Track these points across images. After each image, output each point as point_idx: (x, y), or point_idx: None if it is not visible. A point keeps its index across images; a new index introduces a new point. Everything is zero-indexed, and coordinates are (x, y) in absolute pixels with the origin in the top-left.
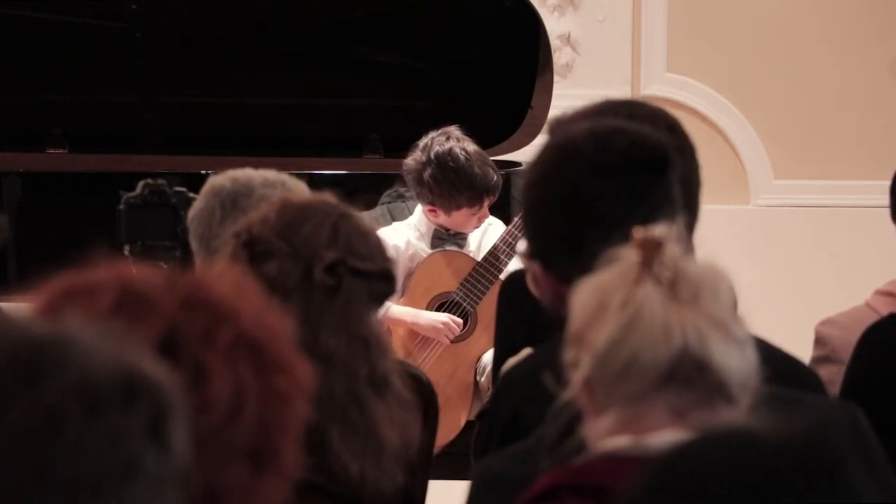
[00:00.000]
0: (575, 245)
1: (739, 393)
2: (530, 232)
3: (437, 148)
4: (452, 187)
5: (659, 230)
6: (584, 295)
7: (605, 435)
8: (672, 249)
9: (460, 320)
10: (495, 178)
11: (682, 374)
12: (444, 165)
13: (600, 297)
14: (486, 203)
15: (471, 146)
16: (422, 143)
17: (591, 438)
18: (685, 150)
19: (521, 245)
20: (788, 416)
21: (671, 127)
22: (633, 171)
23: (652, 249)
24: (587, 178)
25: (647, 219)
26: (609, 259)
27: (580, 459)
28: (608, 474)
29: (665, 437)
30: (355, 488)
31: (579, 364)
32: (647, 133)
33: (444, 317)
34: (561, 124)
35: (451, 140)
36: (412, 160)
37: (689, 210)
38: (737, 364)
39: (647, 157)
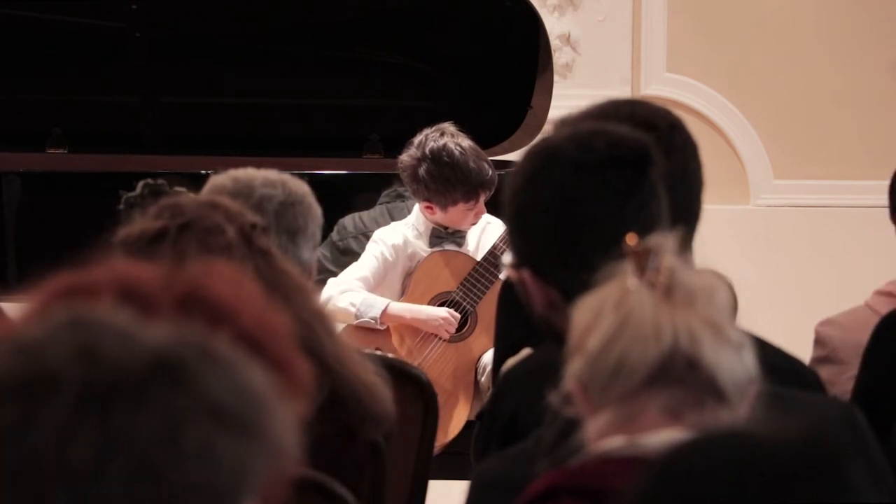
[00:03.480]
0: (564, 248)
1: (734, 394)
2: (518, 239)
3: (431, 144)
4: (448, 182)
5: (654, 239)
6: (584, 307)
7: (601, 435)
8: (669, 259)
9: (458, 314)
10: (490, 172)
11: (673, 373)
12: (439, 161)
13: (597, 306)
14: (482, 198)
15: (465, 141)
16: (416, 139)
17: (587, 439)
18: (686, 149)
19: (507, 257)
20: (787, 415)
21: (672, 125)
22: (615, 171)
23: (644, 257)
24: (570, 180)
25: (635, 218)
26: (608, 274)
27: (577, 461)
28: (605, 475)
29: (660, 436)
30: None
31: (573, 365)
32: (627, 133)
33: (442, 311)
34: (565, 125)
35: (446, 136)
36: (407, 157)
37: (691, 209)
38: (730, 365)
39: (627, 155)
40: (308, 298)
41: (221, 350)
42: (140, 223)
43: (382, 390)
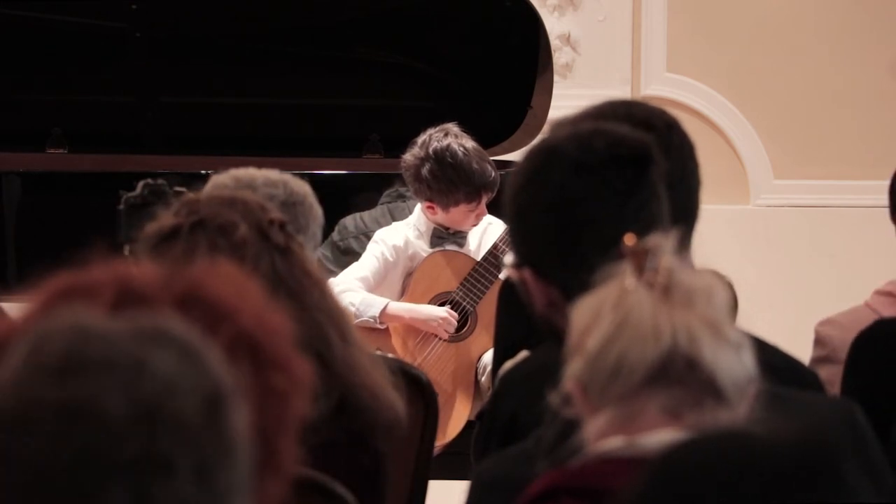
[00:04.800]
0: (565, 248)
1: (733, 394)
2: (519, 238)
3: (435, 144)
4: (450, 183)
5: (653, 239)
6: (582, 308)
7: (600, 435)
8: (667, 259)
9: (457, 315)
10: (493, 174)
11: (673, 373)
12: (443, 161)
13: (595, 307)
14: (484, 199)
15: (469, 142)
16: (420, 139)
17: (587, 439)
18: (683, 149)
19: (509, 257)
20: (786, 415)
21: (669, 125)
22: (615, 170)
23: (642, 257)
24: (570, 179)
25: (635, 218)
26: (607, 274)
27: (576, 461)
28: (604, 476)
29: (659, 436)
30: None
31: (573, 365)
32: (627, 132)
33: (442, 310)
34: (562, 126)
35: (450, 136)
36: (410, 156)
37: (689, 209)
38: (729, 364)
39: (627, 155)
40: (324, 298)
41: (217, 359)
42: (159, 220)
43: (391, 396)
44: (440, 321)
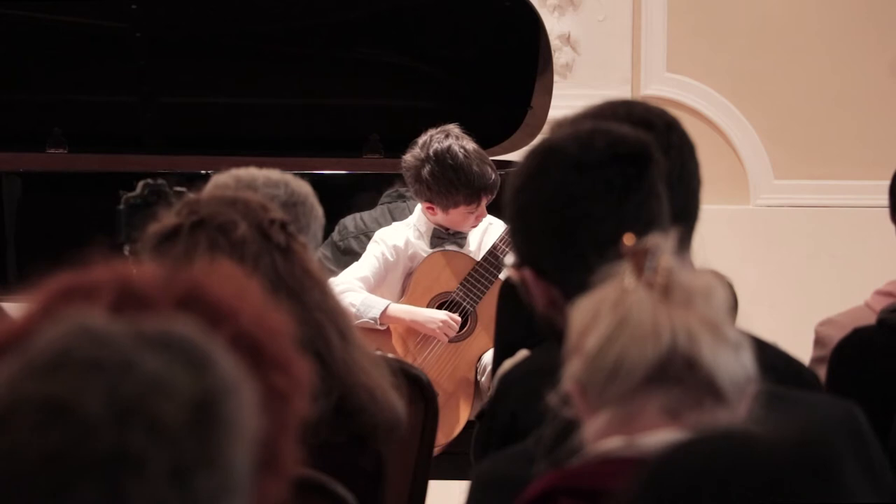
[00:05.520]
0: (566, 247)
1: (733, 394)
2: (519, 238)
3: (436, 145)
4: (450, 185)
5: (652, 239)
6: (581, 308)
7: (599, 435)
8: (666, 259)
9: (458, 318)
10: (493, 176)
11: (672, 373)
12: (443, 163)
13: (595, 307)
14: (484, 202)
15: (470, 144)
16: (421, 140)
17: (586, 439)
18: (683, 149)
19: (509, 257)
20: (785, 415)
21: (669, 125)
22: (615, 169)
23: (641, 257)
24: (570, 178)
25: (635, 217)
26: (607, 274)
27: (575, 462)
28: (603, 476)
29: (658, 436)
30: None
31: (572, 366)
32: (627, 132)
33: (442, 314)
34: (562, 126)
35: (451, 138)
36: (411, 157)
37: (690, 209)
38: (728, 364)
39: (627, 154)
40: (325, 298)
41: (223, 365)
42: (160, 220)
43: (391, 397)
44: (441, 324)
